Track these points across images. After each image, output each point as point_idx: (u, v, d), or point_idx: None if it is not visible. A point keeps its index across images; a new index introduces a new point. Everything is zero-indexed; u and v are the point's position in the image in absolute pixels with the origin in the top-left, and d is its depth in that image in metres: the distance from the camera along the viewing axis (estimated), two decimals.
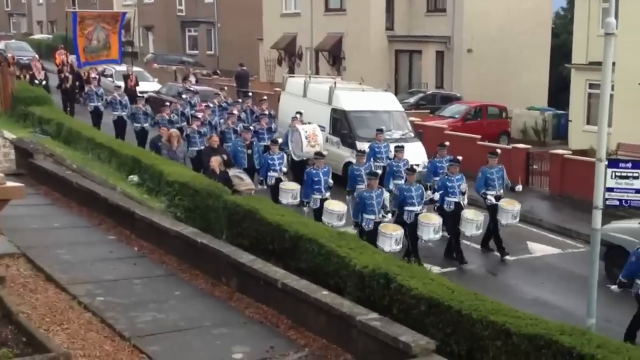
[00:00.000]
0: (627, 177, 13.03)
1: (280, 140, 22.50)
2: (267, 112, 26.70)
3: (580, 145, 32.69)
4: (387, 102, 27.36)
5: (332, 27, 48.63)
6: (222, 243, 13.98)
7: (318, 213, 19.17)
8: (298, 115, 25.24)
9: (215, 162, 19.23)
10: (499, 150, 21.83)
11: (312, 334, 11.06)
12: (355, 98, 26.72)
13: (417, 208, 18.36)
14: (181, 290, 12.73)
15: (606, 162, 12.88)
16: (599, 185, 12.39)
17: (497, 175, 19.98)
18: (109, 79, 38.62)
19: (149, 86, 38.52)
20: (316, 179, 19.45)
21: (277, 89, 35.90)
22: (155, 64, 54.78)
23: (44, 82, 36.15)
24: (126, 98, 29.14)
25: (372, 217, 17.74)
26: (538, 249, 20.69)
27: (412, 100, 39.99)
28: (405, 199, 18.37)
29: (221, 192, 16.75)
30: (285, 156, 21.93)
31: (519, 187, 20.51)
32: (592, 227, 12.67)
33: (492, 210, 19.91)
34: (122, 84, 33.42)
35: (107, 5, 74.20)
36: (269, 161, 21.10)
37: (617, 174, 13.08)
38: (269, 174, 21.03)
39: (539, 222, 23.44)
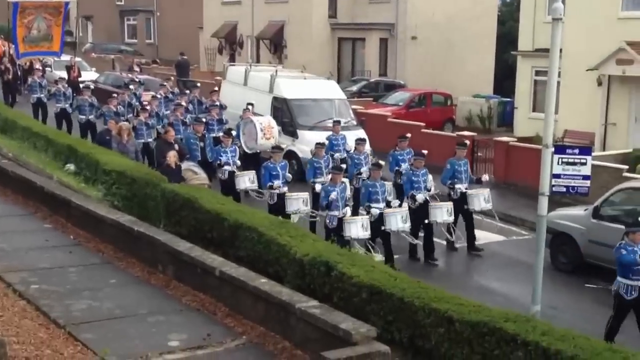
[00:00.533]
0: (574, 164, 13.05)
1: (234, 133, 22.16)
2: (217, 103, 26.27)
3: (526, 133, 33.02)
4: (329, 90, 27.48)
5: (274, 15, 48.68)
6: (159, 231, 14.07)
7: (276, 208, 18.16)
8: (250, 107, 25.06)
9: (172, 157, 18.60)
10: (467, 142, 21.79)
11: (250, 322, 11.16)
12: (297, 86, 26.82)
13: (381, 205, 17.59)
14: (117, 278, 12.82)
15: (553, 149, 12.97)
16: (545, 171, 12.44)
17: (464, 167, 19.66)
18: (47, 69, 38.19)
19: (87, 75, 38.12)
20: (274, 172, 18.70)
21: (218, 77, 35.89)
22: (93, 54, 54.40)
23: None
24: (70, 90, 28.78)
25: (336, 213, 17.04)
26: (482, 237, 20.67)
27: (355, 88, 40.15)
28: (370, 195, 17.56)
29: (159, 181, 16.79)
30: (237, 149, 21.28)
31: (486, 177, 20.49)
32: (538, 214, 12.76)
33: (461, 201, 19.29)
34: (64, 74, 33.20)
35: None
36: (222, 154, 20.46)
37: (563, 160, 13.09)
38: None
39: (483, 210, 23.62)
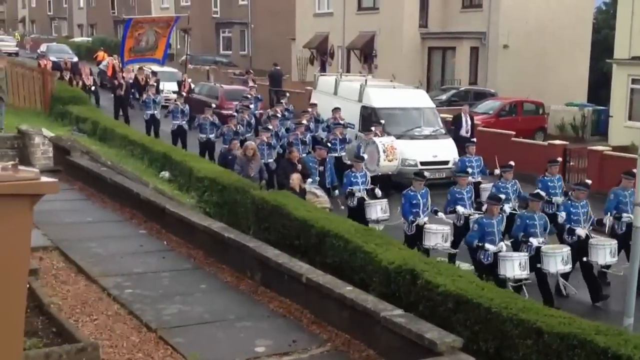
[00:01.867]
0: None
1: (365, 157, 21.11)
2: (342, 122, 25.22)
3: (621, 142, 32.34)
4: (417, 99, 27.45)
5: (365, 26, 48.87)
6: (248, 238, 14.21)
7: (413, 238, 16.71)
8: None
9: (296, 179, 18.03)
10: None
11: (335, 329, 11.15)
12: (386, 95, 26.85)
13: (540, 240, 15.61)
14: (207, 283, 13.01)
15: None
16: None
17: (631, 199, 16.09)
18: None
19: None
20: (414, 201, 16.95)
21: (309, 87, 36.14)
22: (189, 65, 55.49)
23: (93, 88, 36.61)
24: (187, 107, 28.45)
25: (492, 247, 15.34)
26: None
27: (444, 97, 39.95)
28: (527, 227, 15.60)
29: (249, 188, 17.06)
30: (368, 174, 19.94)
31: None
32: (634, 225, 12.47)
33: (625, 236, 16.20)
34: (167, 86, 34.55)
35: (146, 8, 75.29)
36: (352, 179, 19.12)
37: None
38: (353, 189, 19.02)
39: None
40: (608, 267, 16.07)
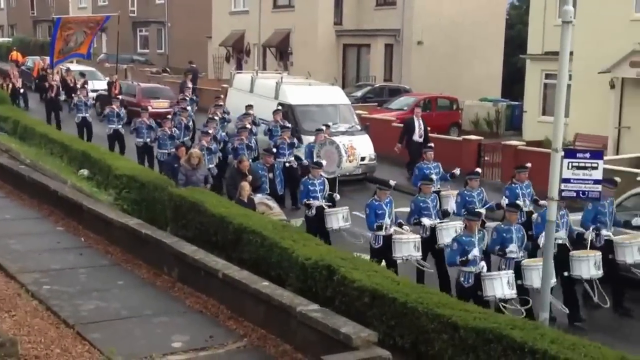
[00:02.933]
0: (584, 168, 12.80)
1: (324, 162, 19.36)
2: (288, 125, 24.00)
3: (535, 137, 32.88)
4: (333, 95, 27.59)
5: (280, 24, 48.98)
6: (165, 234, 14.28)
7: (380, 251, 15.42)
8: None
9: (245, 189, 16.98)
10: (618, 179, 17.28)
11: (251, 324, 11.28)
12: (301, 92, 26.94)
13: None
14: (124, 279, 13.08)
15: (562, 153, 12.69)
16: (554, 176, 12.15)
17: (609, 209, 15.88)
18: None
19: (99, 85, 39.07)
20: (379, 211, 15.61)
21: (225, 85, 36.07)
22: (107, 63, 54.93)
23: (22, 90, 35.91)
24: (124, 110, 27.11)
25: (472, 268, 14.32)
26: None
27: (359, 93, 40.10)
28: (503, 241, 14.38)
29: (167, 185, 17.07)
30: (326, 181, 18.48)
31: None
32: (547, 219, 12.60)
33: (606, 250, 15.32)
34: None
35: (63, 8, 74.23)
36: (310, 187, 17.76)
37: (574, 164, 12.85)
38: (310, 202, 17.66)
39: (492, 214, 23.41)
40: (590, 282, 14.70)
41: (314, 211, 17.51)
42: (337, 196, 18.63)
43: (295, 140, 22.99)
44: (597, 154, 13.10)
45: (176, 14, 65.28)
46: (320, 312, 10.38)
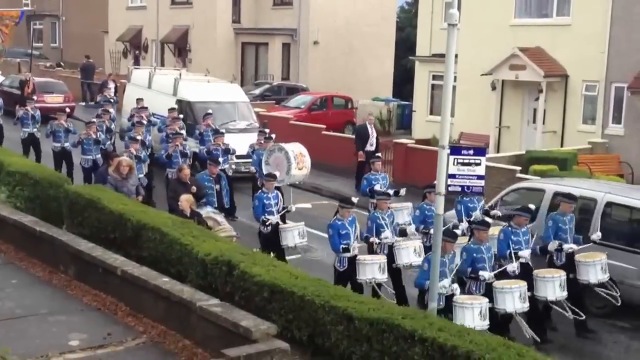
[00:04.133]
0: (469, 164, 13.05)
1: (277, 174, 18.09)
2: (222, 130, 22.62)
3: (424, 135, 33.44)
4: (232, 93, 27.50)
5: (178, 20, 48.47)
6: (61, 231, 13.90)
7: (345, 275, 14.41)
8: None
9: (187, 202, 15.49)
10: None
11: (151, 320, 11.11)
12: (200, 89, 26.75)
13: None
14: (18, 278, 12.66)
15: (449, 150, 12.95)
16: (441, 172, 12.24)
17: (570, 225, 15.04)
18: None
19: None
20: (343, 231, 14.47)
21: (123, 80, 35.45)
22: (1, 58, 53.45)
23: None
24: (38, 112, 24.53)
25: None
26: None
27: (257, 91, 40.16)
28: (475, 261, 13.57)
29: (62, 182, 16.56)
30: (280, 195, 17.25)
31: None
32: (435, 213, 12.77)
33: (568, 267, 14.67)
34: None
35: None
36: (265, 201, 16.37)
37: (459, 160, 13.08)
38: (266, 216, 16.27)
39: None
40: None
41: (269, 228, 16.13)
42: (293, 207, 17.64)
43: (231, 146, 21.49)
44: (480, 151, 13.45)
45: (71, 7, 63.90)
46: (220, 307, 10.32)
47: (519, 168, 23.01)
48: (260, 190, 16.89)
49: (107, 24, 55.32)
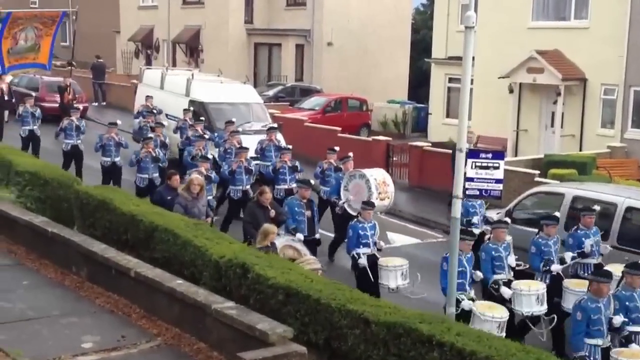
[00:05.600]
0: (487, 167, 13.05)
1: (376, 201, 16.72)
2: (289, 146, 20.99)
3: (440, 138, 33.48)
4: (245, 94, 27.38)
5: (190, 20, 48.52)
6: (73, 232, 13.90)
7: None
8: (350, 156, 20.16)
9: (273, 232, 13.73)
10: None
11: (165, 323, 11.06)
12: (214, 90, 26.66)
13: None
14: (30, 279, 12.63)
15: (466, 152, 12.93)
16: (458, 175, 12.24)
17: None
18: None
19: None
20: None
21: (134, 81, 35.53)
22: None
23: None
24: (84, 124, 23.54)
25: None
26: (398, 240, 20.46)
27: (271, 93, 40.12)
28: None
29: (73, 182, 16.54)
30: (377, 225, 15.67)
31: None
32: (452, 216, 12.71)
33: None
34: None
35: None
36: (360, 231, 14.97)
37: (477, 164, 13.06)
38: (359, 250, 14.92)
39: (399, 213, 23.47)
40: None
41: (364, 261, 14.79)
42: (383, 244, 15.71)
43: (298, 164, 20.04)
44: (499, 155, 13.42)
45: (82, 6, 64.03)
46: (236, 310, 10.28)
47: (537, 172, 22.97)
48: (355, 220, 15.38)
49: (119, 23, 55.44)
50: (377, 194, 17.98)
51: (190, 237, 13.00)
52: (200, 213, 15.44)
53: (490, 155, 13.19)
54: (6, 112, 27.66)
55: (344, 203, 18.12)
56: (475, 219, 16.93)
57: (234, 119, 23.20)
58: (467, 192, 12.93)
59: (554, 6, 30.44)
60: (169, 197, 15.79)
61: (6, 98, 30.35)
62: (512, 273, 13.88)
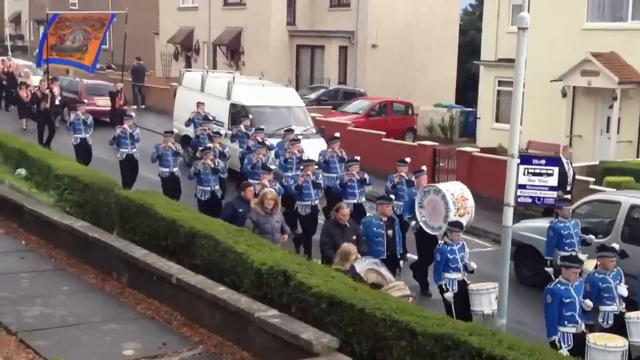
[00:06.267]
0: (540, 174, 12.97)
1: (455, 218, 15.95)
2: (356, 157, 19.91)
3: (489, 143, 33.37)
4: (287, 97, 27.50)
5: (231, 22, 48.86)
6: (113, 237, 13.99)
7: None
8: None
9: (353, 252, 13.22)
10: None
11: (206, 331, 11.09)
12: (255, 93, 26.80)
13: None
14: (70, 285, 12.74)
15: (518, 159, 12.74)
16: (510, 182, 12.21)
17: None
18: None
19: (36, 80, 37.75)
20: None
21: (174, 83, 35.79)
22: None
23: None
24: (138, 131, 23.42)
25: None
26: None
27: (313, 96, 40.19)
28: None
29: (113, 186, 16.69)
30: (465, 245, 15.12)
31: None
32: (503, 225, 12.60)
33: None
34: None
35: None
36: (448, 254, 14.32)
37: (529, 170, 13.00)
38: (448, 275, 14.37)
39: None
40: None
41: (450, 296, 14.17)
42: (474, 265, 14.88)
43: (367, 176, 19.26)
44: (554, 161, 13.37)
45: (121, 7, 64.61)
46: (279, 318, 10.27)
47: (592, 179, 22.73)
48: (443, 242, 14.73)
49: (158, 25, 55.86)
50: (455, 210, 16.68)
51: (231, 244, 13.00)
52: (274, 229, 14.82)
53: (543, 162, 13.14)
54: (58, 117, 27.15)
55: (417, 224, 17.12)
56: (569, 241, 15.82)
57: (293, 127, 23.36)
58: (518, 200, 12.84)
59: (610, 7, 30.10)
60: (240, 210, 15.42)
61: (57, 102, 30.89)
62: (623, 304, 13.17)
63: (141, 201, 15.29)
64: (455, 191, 17.12)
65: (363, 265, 13.26)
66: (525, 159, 13.45)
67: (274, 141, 22.93)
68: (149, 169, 22.56)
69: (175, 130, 23.04)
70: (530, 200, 13.25)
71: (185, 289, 11.53)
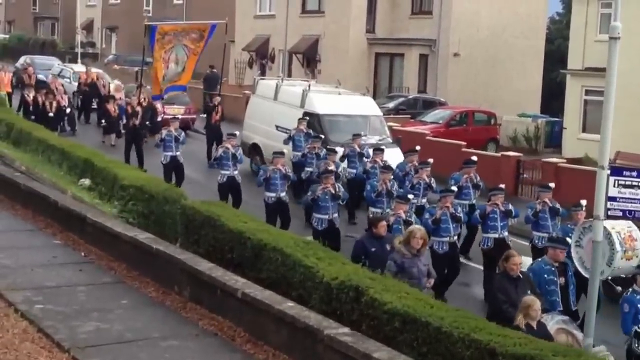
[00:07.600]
0: (632, 186, 12.65)
1: (622, 261, 14.13)
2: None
3: (575, 154, 33.13)
4: (364, 106, 27.23)
5: (308, 29, 48.89)
6: (178, 250, 13.91)
7: None
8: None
9: (536, 307, 11.48)
10: None
11: (272, 349, 10.92)
12: (330, 101, 26.61)
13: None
14: (129, 298, 12.64)
15: (609, 171, 12.33)
16: (600, 194, 11.92)
17: None
18: (66, 79, 38.18)
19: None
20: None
21: (247, 91, 35.85)
22: (115, 65, 54.59)
23: (68, 110, 31.67)
24: (183, 134, 23.47)
25: None
26: (527, 262, 20.14)
27: (391, 104, 40.01)
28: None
29: (179, 197, 16.58)
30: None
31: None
32: (593, 240, 12.26)
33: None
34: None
35: (70, 6, 74.54)
36: (639, 305, 12.30)
37: (620, 182, 12.70)
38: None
39: (529, 234, 22.84)
40: None
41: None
42: None
43: (511, 207, 17.46)
44: None
45: (195, 15, 65.24)
46: (351, 336, 10.10)
47: None
48: (631, 290, 12.73)
49: (233, 32, 56.18)
50: (622, 252, 14.43)
51: (301, 257, 12.81)
52: (420, 274, 13.37)
53: (635, 174, 12.74)
54: (157, 136, 25.19)
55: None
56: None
57: (362, 132, 23.24)
58: (609, 213, 12.46)
59: None
60: (373, 249, 14.11)
61: (159, 119, 30.84)
62: None
63: (208, 212, 15.18)
64: (622, 230, 14.89)
65: (552, 325, 12.13)
66: (616, 170, 13.02)
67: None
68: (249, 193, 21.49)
69: (286, 150, 21.56)
70: (621, 213, 12.78)
71: (250, 304, 11.38)
